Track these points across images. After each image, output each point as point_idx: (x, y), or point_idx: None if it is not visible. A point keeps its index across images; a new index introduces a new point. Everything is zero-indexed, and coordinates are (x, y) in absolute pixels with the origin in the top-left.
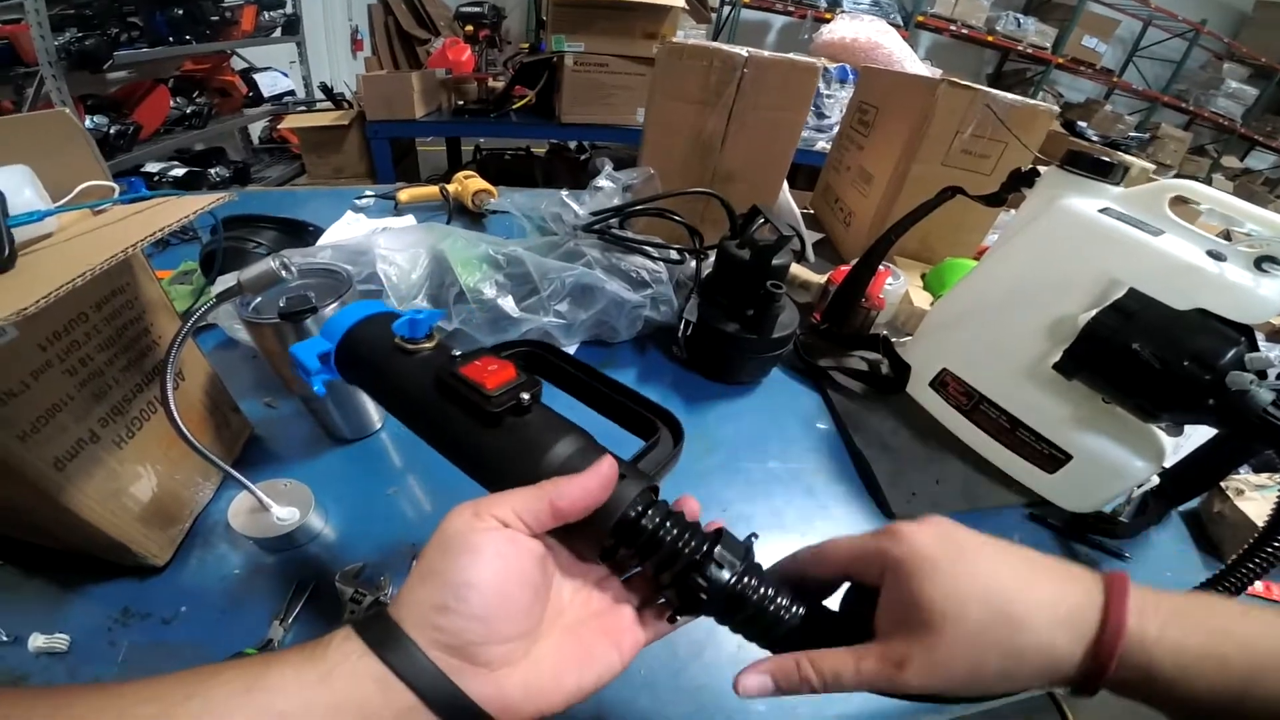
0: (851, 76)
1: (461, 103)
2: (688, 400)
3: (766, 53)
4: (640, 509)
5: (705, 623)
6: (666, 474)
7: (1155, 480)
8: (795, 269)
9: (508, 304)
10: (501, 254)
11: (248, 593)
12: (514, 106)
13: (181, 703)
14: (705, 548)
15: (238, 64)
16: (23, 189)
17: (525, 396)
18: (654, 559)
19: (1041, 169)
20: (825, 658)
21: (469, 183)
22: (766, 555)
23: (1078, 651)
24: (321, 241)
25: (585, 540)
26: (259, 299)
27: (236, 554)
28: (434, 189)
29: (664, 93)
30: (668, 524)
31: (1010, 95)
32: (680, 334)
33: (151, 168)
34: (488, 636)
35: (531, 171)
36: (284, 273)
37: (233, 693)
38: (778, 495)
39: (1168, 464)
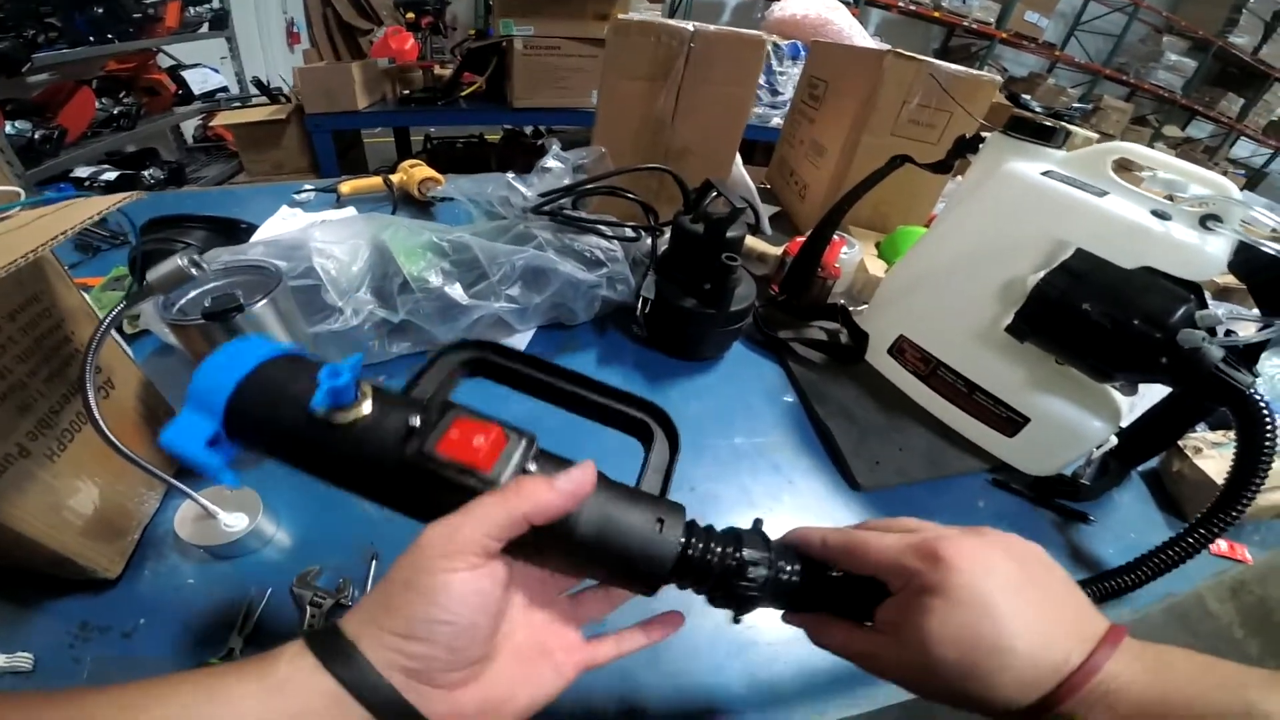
0: (803, 53)
1: (407, 92)
2: (651, 379)
3: (713, 27)
4: (694, 545)
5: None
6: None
7: (1114, 441)
8: (752, 242)
9: (455, 291)
10: (446, 241)
11: (205, 602)
12: (463, 94)
13: (144, 710)
14: (739, 555)
15: (165, 61)
16: None
17: (532, 468)
18: (708, 585)
19: (986, 135)
20: (830, 627)
21: (415, 171)
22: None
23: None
24: (255, 239)
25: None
26: (185, 301)
27: (188, 564)
28: (377, 180)
29: (614, 71)
30: (714, 548)
31: (954, 66)
32: (639, 312)
33: (81, 172)
34: (452, 664)
35: (486, 159)
36: (194, 270)
37: (193, 702)
38: (744, 472)
39: (1124, 424)
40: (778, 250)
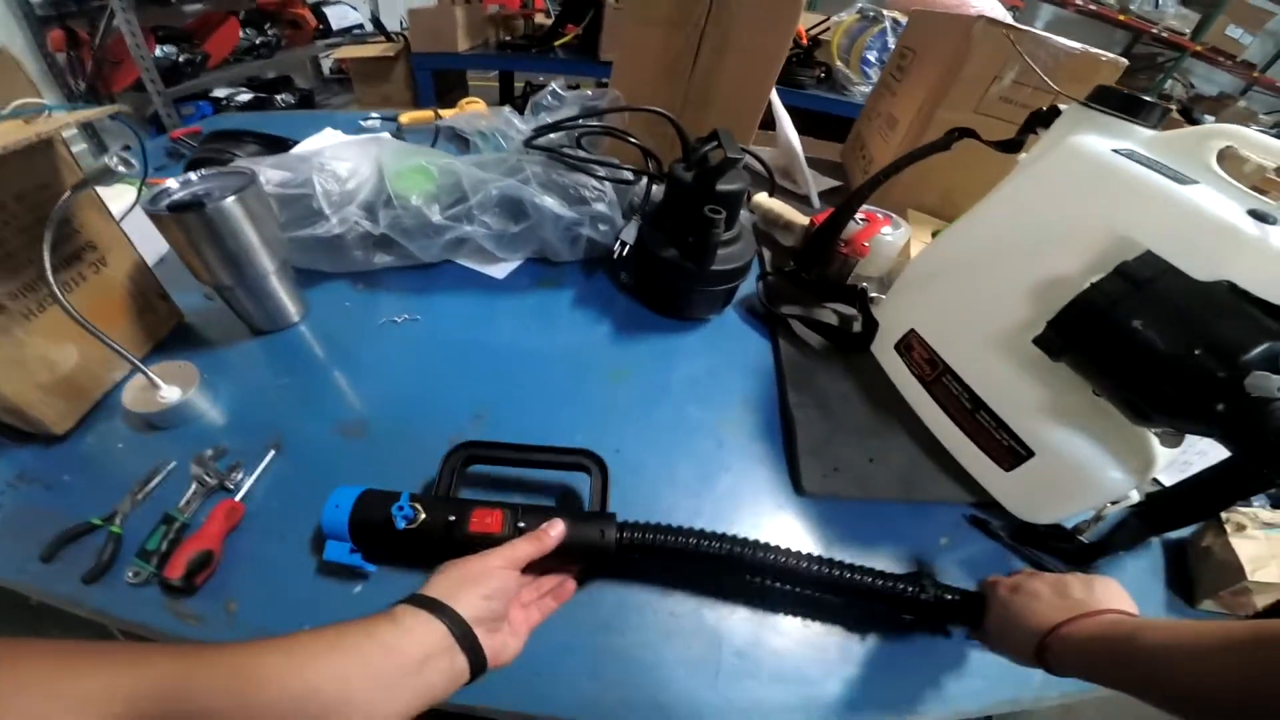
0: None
1: (509, 38)
2: (621, 330)
3: None
4: (625, 539)
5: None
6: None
7: (1135, 497)
8: (780, 207)
9: (432, 211)
10: (434, 165)
11: (122, 467)
12: (557, 43)
13: (317, 655)
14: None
15: None
16: None
17: (522, 525)
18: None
19: (1063, 106)
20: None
21: (468, 107)
22: (648, 505)
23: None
24: (293, 152)
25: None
26: (172, 199)
27: (126, 430)
28: (429, 113)
29: (635, 15)
30: (925, 588)
31: (1064, 40)
32: (615, 254)
33: (219, 92)
34: (494, 622)
35: None
36: (121, 167)
37: (357, 644)
38: (680, 444)
39: (1165, 479)
40: (804, 219)
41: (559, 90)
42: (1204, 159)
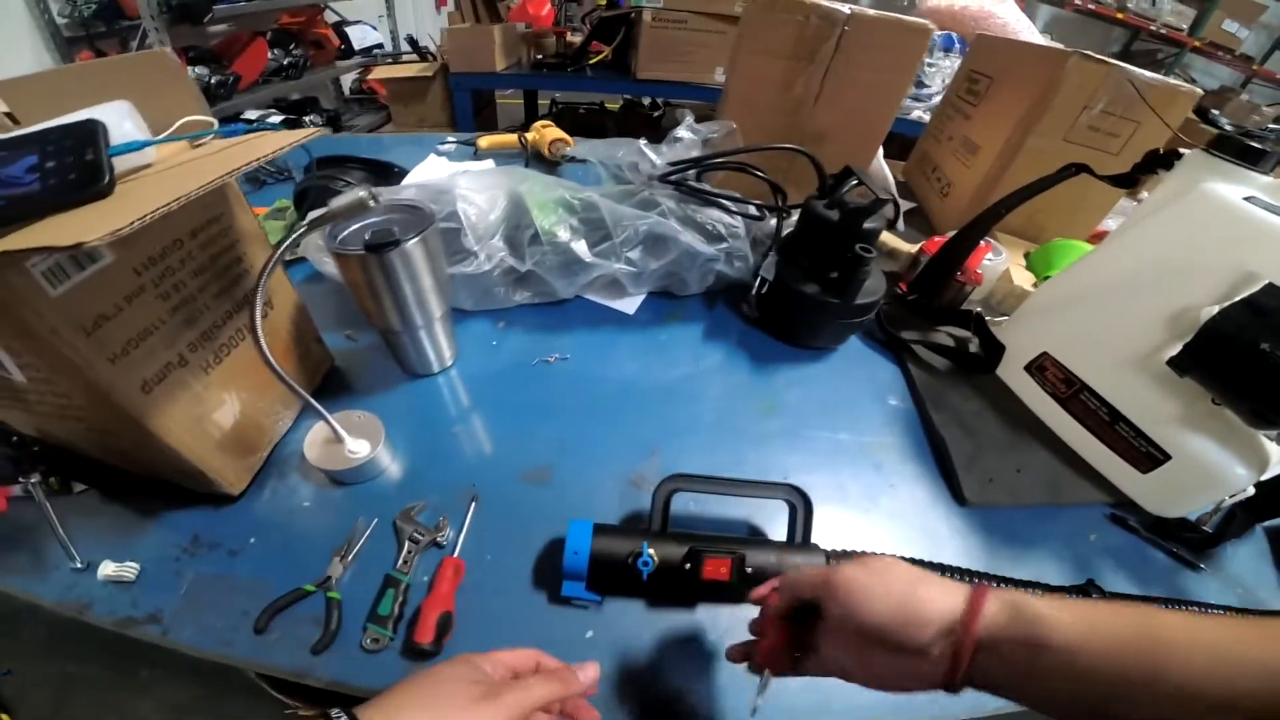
0: (958, 45)
1: (540, 56)
2: (754, 361)
3: (872, 11)
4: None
5: None
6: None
7: (1249, 491)
8: (884, 236)
9: (580, 248)
10: (577, 199)
11: (314, 527)
12: (590, 62)
13: None
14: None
15: (330, 18)
16: (123, 122)
17: (749, 570)
18: None
19: (1184, 151)
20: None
21: (546, 131)
22: (829, 527)
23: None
24: (406, 181)
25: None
26: (346, 233)
27: (307, 486)
28: (513, 137)
29: (751, 47)
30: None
31: (1149, 73)
32: (754, 291)
33: (250, 114)
34: None
35: (604, 126)
36: (372, 202)
37: None
38: (843, 468)
39: (1268, 475)
40: (912, 248)
41: (694, 124)
42: None
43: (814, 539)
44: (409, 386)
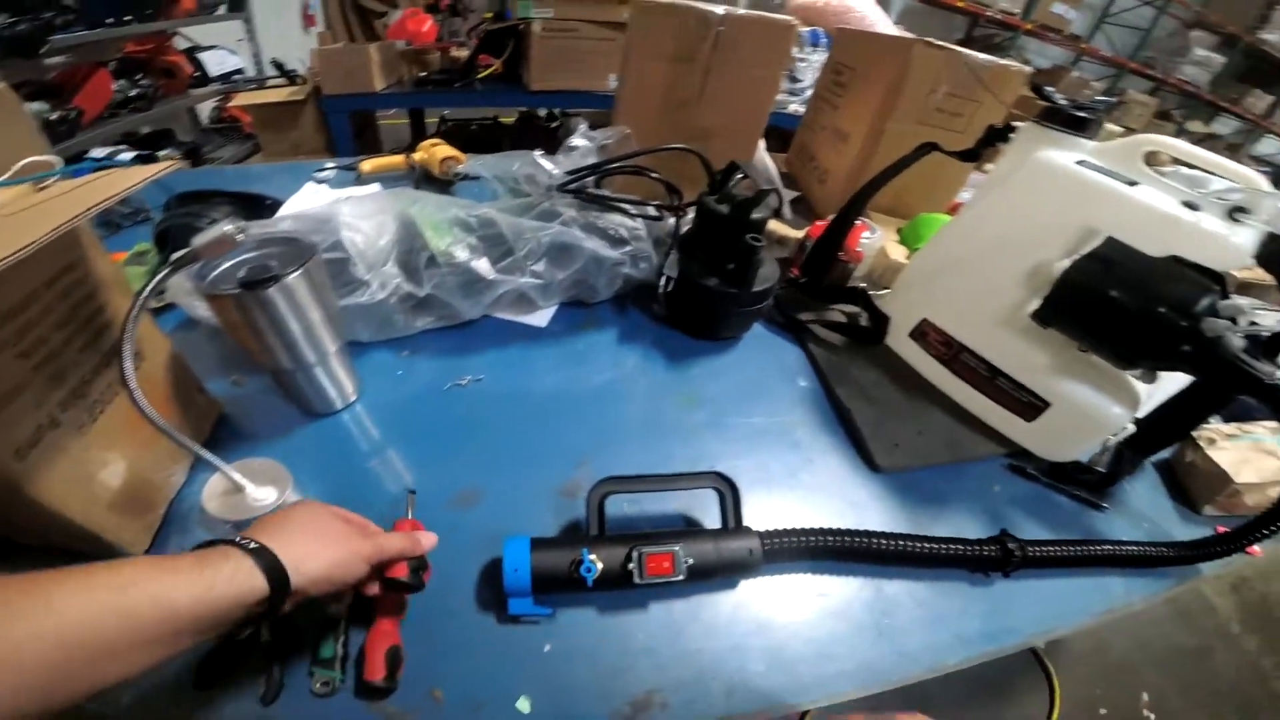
0: (824, 40)
1: (424, 74)
2: (670, 358)
3: (742, 10)
4: (771, 546)
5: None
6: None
7: (1130, 429)
8: (773, 224)
9: (482, 266)
10: (473, 216)
11: None
12: (479, 76)
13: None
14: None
15: (181, 43)
16: None
17: (690, 561)
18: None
19: (1018, 125)
20: None
21: (435, 150)
22: (760, 509)
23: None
24: (281, 213)
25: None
26: (217, 273)
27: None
28: (399, 158)
29: (638, 52)
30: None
31: (983, 55)
32: (661, 290)
33: (98, 153)
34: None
35: (500, 140)
36: (239, 236)
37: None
38: (764, 450)
39: (1142, 413)
40: (799, 233)
41: (588, 132)
42: (1135, 161)
43: (747, 521)
44: (312, 427)
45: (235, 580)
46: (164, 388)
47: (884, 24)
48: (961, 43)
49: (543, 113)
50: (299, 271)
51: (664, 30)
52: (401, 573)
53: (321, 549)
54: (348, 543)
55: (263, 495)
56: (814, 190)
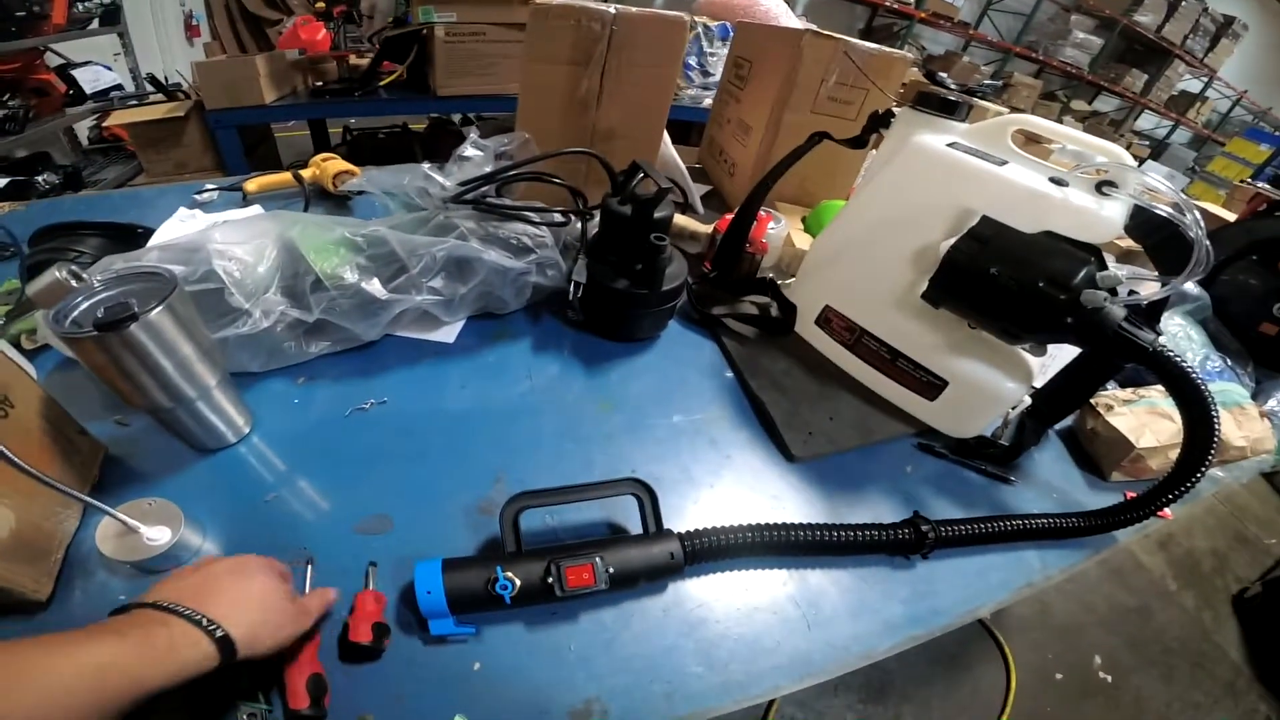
0: (731, 34)
1: (320, 83)
2: (587, 363)
3: (635, 9)
4: (689, 548)
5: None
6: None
7: (1028, 402)
8: (683, 220)
9: (374, 287)
10: (361, 235)
11: None
12: (382, 83)
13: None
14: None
15: (53, 60)
16: None
17: (612, 570)
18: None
19: (896, 110)
20: None
21: (328, 165)
22: (681, 510)
23: None
24: (150, 244)
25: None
26: (78, 313)
27: (117, 580)
28: (286, 175)
29: (534, 55)
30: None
31: (868, 44)
32: (571, 296)
33: None
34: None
35: (411, 149)
36: (74, 281)
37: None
38: (684, 450)
39: (1038, 384)
40: (708, 228)
41: (480, 140)
42: (1004, 141)
43: (669, 524)
44: (204, 463)
45: (186, 666)
46: (37, 434)
47: (787, 17)
48: (863, 32)
49: (455, 118)
50: (160, 308)
51: (558, 32)
52: (365, 638)
53: (273, 629)
54: (293, 621)
55: (157, 535)
56: (724, 184)
